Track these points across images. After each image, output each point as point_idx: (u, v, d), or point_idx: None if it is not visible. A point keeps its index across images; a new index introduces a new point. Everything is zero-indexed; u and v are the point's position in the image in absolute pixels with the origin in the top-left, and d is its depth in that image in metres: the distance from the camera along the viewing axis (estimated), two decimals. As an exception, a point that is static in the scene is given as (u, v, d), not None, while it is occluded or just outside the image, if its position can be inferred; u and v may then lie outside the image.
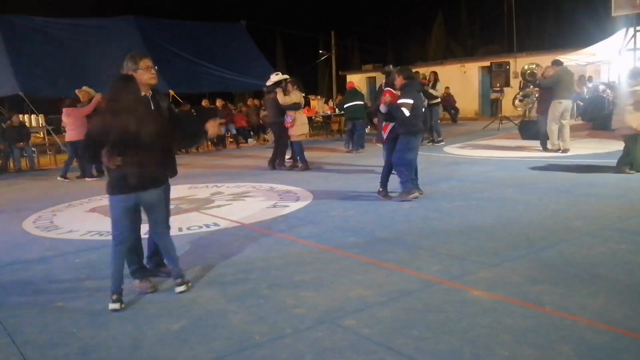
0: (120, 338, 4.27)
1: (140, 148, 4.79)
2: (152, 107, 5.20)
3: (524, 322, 4.13)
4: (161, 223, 5.20)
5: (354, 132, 16.73)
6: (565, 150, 13.02)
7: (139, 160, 4.80)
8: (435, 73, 17.63)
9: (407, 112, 8.46)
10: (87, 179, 13.26)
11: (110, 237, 7.35)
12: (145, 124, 4.82)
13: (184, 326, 4.43)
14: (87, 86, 14.17)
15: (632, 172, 9.84)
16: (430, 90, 16.19)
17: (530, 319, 4.20)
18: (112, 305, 4.82)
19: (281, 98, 12.66)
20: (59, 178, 13.45)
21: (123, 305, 4.83)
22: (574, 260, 5.52)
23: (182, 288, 5.14)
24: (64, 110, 13.61)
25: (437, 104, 17.24)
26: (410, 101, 8.50)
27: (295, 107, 12.74)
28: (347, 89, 18.25)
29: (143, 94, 5.19)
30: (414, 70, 10.56)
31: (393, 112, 8.63)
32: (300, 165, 13.11)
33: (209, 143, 19.56)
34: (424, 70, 20.87)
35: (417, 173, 9.07)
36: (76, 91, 13.91)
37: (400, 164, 8.75)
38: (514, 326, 4.07)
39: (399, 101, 8.52)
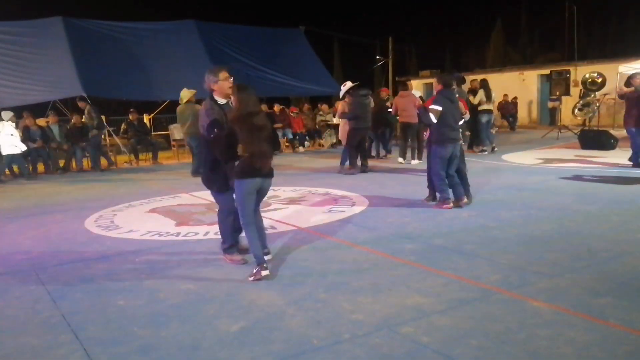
0: (180, 338, 4.34)
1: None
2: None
3: (586, 335, 4.05)
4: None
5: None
6: None
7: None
8: (482, 80, 17.01)
9: (433, 119, 8.47)
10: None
11: (169, 238, 7.52)
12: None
13: (243, 327, 4.47)
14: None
15: None
16: (470, 98, 15.78)
17: (593, 332, 4.11)
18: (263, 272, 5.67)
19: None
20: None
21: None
22: (637, 273, 5.40)
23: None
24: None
25: (485, 111, 16.57)
26: (439, 108, 8.47)
27: (343, 115, 13.76)
28: None
29: (225, 101, 5.96)
30: (471, 77, 10.52)
31: (421, 116, 8.82)
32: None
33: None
34: (480, 77, 20.43)
35: (465, 182, 9.02)
36: None
37: (432, 173, 8.90)
38: (576, 339, 4.00)
39: (430, 106, 8.53)
